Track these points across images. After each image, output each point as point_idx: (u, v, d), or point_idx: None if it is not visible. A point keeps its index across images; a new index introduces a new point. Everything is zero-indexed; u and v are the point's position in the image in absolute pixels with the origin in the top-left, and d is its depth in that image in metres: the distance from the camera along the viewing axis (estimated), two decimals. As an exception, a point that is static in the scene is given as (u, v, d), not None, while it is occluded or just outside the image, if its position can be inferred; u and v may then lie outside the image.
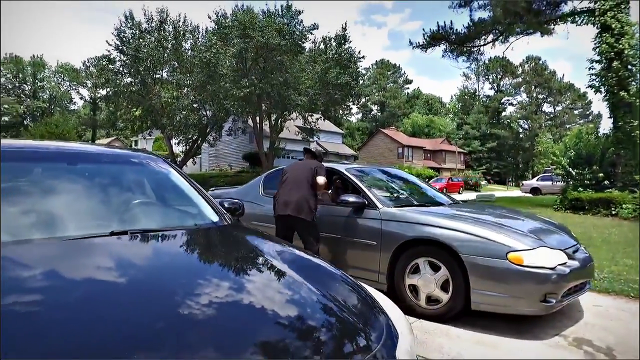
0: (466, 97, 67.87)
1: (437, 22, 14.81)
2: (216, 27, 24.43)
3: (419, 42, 15.24)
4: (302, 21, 23.94)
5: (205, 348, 1.01)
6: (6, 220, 1.57)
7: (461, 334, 3.12)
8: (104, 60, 27.22)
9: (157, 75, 27.49)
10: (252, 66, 22.97)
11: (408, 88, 75.82)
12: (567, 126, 58.68)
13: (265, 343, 1.07)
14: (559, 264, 3.08)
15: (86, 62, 55.04)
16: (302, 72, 23.79)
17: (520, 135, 63.03)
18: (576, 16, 14.59)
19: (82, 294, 1.23)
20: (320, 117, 28.32)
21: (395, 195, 4.54)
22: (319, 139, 35.54)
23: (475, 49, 15.23)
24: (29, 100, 57.64)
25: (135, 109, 28.41)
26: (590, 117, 63.03)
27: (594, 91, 14.00)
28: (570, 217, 11.06)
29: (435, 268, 3.37)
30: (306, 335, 1.15)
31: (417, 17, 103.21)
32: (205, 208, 2.31)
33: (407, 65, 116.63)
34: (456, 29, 14.64)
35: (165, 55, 26.78)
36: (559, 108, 65.10)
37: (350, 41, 26.28)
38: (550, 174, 19.92)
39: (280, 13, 24.21)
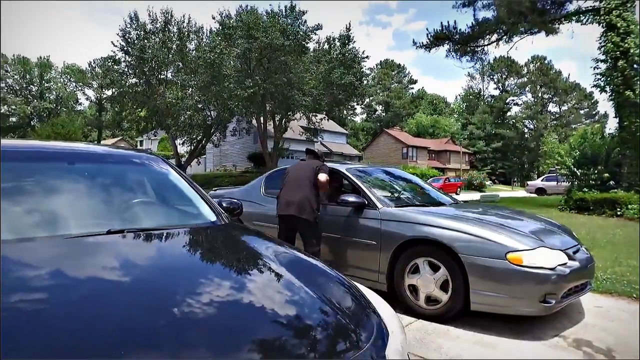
0: (471, 97, 67.64)
1: (441, 22, 14.76)
2: (220, 27, 24.51)
3: (422, 42, 15.22)
4: (305, 21, 23.98)
5: (198, 346, 1.02)
6: (5, 218, 1.59)
7: (460, 334, 3.12)
8: (109, 61, 27.45)
9: (162, 76, 27.66)
10: (256, 66, 23.04)
11: (412, 88, 75.74)
12: (573, 126, 58.24)
13: (252, 341, 1.08)
14: (558, 265, 3.07)
15: (92, 63, 55.57)
16: (306, 73, 23.84)
17: (526, 136, 62.70)
18: (581, 15, 14.48)
19: (76, 291, 1.24)
20: (324, 117, 28.35)
21: (395, 195, 4.54)
22: (322, 139, 35.63)
23: (479, 48, 15.17)
24: (35, 101, 58.14)
25: (140, 110, 28.60)
26: (597, 116, 62.57)
27: (599, 91, 13.90)
28: (575, 217, 10.99)
29: (434, 268, 3.36)
30: (294, 334, 1.15)
31: (422, 17, 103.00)
32: (203, 208, 2.33)
33: (411, 65, 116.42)
34: (460, 29, 14.62)
35: (170, 56, 26.95)
36: (564, 108, 64.67)
37: (354, 41, 26.32)
38: (555, 174, 19.79)
39: (284, 13, 24.27)
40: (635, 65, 12.45)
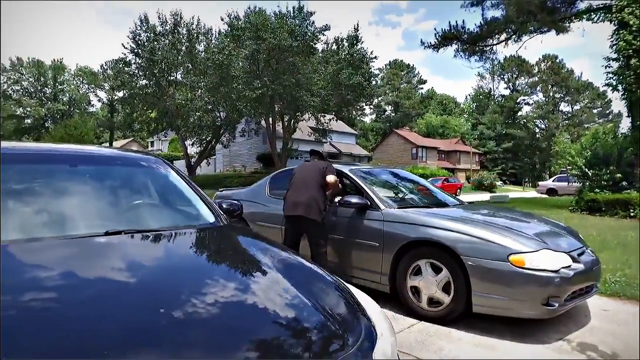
0: (481, 96, 67.05)
1: (449, 22, 14.66)
2: (229, 29, 24.66)
3: (430, 42, 15.13)
4: (313, 22, 24.00)
5: (184, 346, 1.04)
6: (5, 219, 1.63)
7: (462, 336, 3.09)
8: (120, 63, 27.79)
9: (172, 78, 27.92)
10: (265, 67, 23.12)
11: (422, 88, 75.30)
12: (586, 125, 57.31)
13: (235, 342, 1.09)
14: (562, 267, 3.02)
15: (104, 65, 56.29)
16: (314, 73, 23.87)
17: (537, 135, 61.92)
18: (592, 13, 14.25)
19: (70, 291, 1.27)
20: (333, 118, 28.35)
21: (399, 196, 4.53)
22: (331, 139, 35.59)
23: (488, 48, 15.02)
24: (49, 103, 59.12)
25: (150, 111, 28.91)
26: (610, 116, 61.51)
27: (612, 90, 13.66)
28: (586, 218, 10.82)
29: (436, 270, 3.34)
30: (278, 336, 1.16)
31: (432, 17, 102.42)
32: (202, 209, 2.35)
33: (421, 65, 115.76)
34: (468, 28, 14.48)
35: (179, 57, 27.20)
36: (577, 107, 63.70)
37: (363, 42, 26.28)
38: (566, 174, 19.52)
39: (292, 14, 24.32)
40: (648, 64, 12.20)
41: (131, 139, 58.49)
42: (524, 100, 64.14)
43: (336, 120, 29.95)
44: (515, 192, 33.08)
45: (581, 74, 67.63)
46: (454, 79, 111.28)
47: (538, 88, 63.22)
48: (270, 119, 25.82)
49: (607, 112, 62.71)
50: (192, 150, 32.89)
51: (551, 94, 63.21)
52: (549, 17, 14.12)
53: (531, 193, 29.18)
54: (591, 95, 61.73)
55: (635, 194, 11.51)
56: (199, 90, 26.17)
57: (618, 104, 66.94)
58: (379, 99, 66.85)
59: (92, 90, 61.62)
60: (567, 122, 63.03)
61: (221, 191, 6.39)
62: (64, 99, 60.95)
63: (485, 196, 22.51)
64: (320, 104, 24.62)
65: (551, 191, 23.89)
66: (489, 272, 3.03)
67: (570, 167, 14.53)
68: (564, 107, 65.05)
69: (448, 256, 3.25)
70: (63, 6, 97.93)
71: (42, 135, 50.58)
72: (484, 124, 60.78)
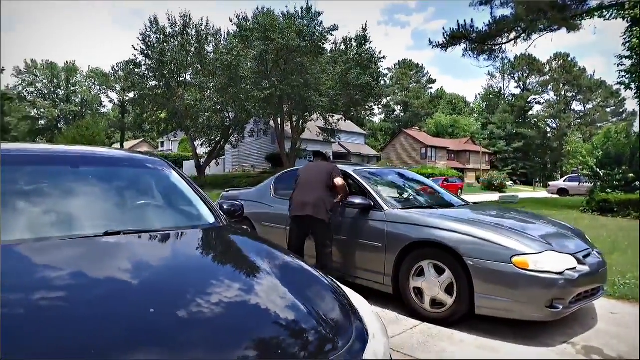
0: (491, 96, 66.38)
1: (457, 21, 14.54)
2: (237, 30, 24.79)
3: (438, 42, 15.01)
4: (322, 22, 24.02)
5: (170, 346, 1.05)
6: (7, 219, 1.67)
7: (465, 338, 3.07)
8: (130, 64, 28.11)
9: (181, 78, 28.16)
10: (273, 68, 23.21)
11: (431, 88, 74.86)
12: (599, 125, 56.34)
13: (221, 343, 1.09)
14: (567, 269, 2.98)
15: (115, 67, 57.06)
16: (322, 73, 23.89)
17: (548, 135, 61.11)
18: (604, 10, 14.02)
19: (65, 291, 1.29)
20: (342, 118, 28.34)
21: (403, 196, 4.51)
22: (340, 139, 35.58)
23: (497, 47, 14.86)
24: (62, 104, 60.07)
25: (160, 112, 29.19)
26: (624, 115, 60.42)
27: (624, 88, 13.44)
28: (597, 219, 10.65)
29: (439, 271, 3.32)
30: (266, 338, 1.16)
31: (441, 16, 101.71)
32: (203, 210, 2.37)
33: (431, 64, 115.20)
34: (477, 27, 14.34)
35: (189, 58, 27.41)
36: (589, 106, 62.70)
37: (371, 42, 26.22)
38: (578, 174, 19.23)
39: (300, 15, 24.36)
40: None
41: (142, 139, 59.17)
42: (534, 99, 63.35)
43: (345, 121, 29.93)
44: (525, 193, 32.71)
45: (594, 72, 66.63)
46: (464, 78, 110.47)
47: (549, 87, 62.36)
48: (279, 119, 25.90)
49: (621, 110, 61.61)
50: (202, 150, 33.14)
51: (563, 93, 62.32)
52: (560, 14, 13.91)
53: (542, 193, 28.82)
54: (604, 93, 60.70)
55: (648, 194, 11.30)
56: (208, 91, 26.36)
57: (632, 103, 65.60)
58: (388, 98, 66.60)
59: (103, 91, 62.50)
60: (579, 121, 62.09)
61: (227, 191, 6.43)
62: (77, 100, 61.88)
63: (494, 196, 22.28)
64: (328, 104, 24.63)
65: (562, 191, 23.58)
66: (492, 274, 3.01)
67: (581, 167, 14.31)
68: (576, 106, 64.16)
69: (451, 257, 3.23)
70: (75, 8, 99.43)
71: (55, 136, 51.39)
72: (494, 123, 60.16)
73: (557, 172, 57.43)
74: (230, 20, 26.28)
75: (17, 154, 2.10)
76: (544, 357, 2.79)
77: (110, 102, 62.73)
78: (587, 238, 3.82)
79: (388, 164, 37.09)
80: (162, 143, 55.93)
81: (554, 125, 62.14)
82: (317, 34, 23.28)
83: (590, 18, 14.91)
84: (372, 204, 3.96)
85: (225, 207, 2.63)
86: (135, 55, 27.75)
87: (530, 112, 63.26)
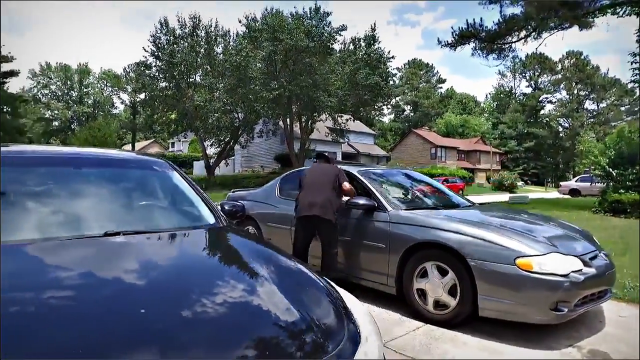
0: (502, 95, 65.68)
1: (466, 20, 14.40)
2: (246, 30, 24.90)
3: (447, 41, 14.88)
4: (330, 23, 24.00)
5: (154, 346, 1.06)
6: (5, 220, 1.70)
7: (468, 340, 3.04)
8: (141, 66, 28.42)
9: (191, 79, 28.38)
10: (282, 68, 23.26)
11: (441, 87, 74.33)
12: (613, 124, 55.26)
13: (210, 345, 1.10)
14: (572, 271, 2.94)
15: (126, 68, 57.77)
16: (331, 74, 23.88)
17: (560, 134, 60.23)
18: (617, 7, 13.75)
19: (62, 292, 1.31)
20: (350, 118, 28.29)
21: (408, 197, 4.48)
22: (349, 140, 35.51)
23: (507, 46, 14.68)
24: (75, 105, 61.02)
25: (170, 113, 29.45)
26: (639, 113, 59.21)
27: (638, 86, 13.20)
28: (609, 220, 10.45)
29: (443, 272, 3.30)
30: (254, 341, 1.16)
31: (451, 15, 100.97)
32: (203, 210, 2.39)
33: (441, 64, 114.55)
34: (486, 26, 14.18)
35: (198, 59, 27.62)
36: (603, 105, 61.60)
37: (380, 41, 26.13)
38: (590, 174, 18.91)
39: (309, 15, 24.38)
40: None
41: (152, 140, 59.79)
42: (546, 98, 62.53)
43: (354, 121, 29.87)
44: (536, 193, 32.27)
45: (607, 70, 65.16)
46: (474, 77, 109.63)
47: (561, 86, 61.46)
48: (288, 119, 25.95)
49: (636, 109, 60.36)
50: (211, 151, 33.36)
51: (575, 92, 61.36)
52: (571, 12, 13.69)
53: (553, 194, 28.42)
54: (618, 92, 59.54)
55: (663, 195, 11.07)
56: (217, 92, 26.51)
57: (648, 102, 64.26)
58: (398, 98, 66.32)
59: (115, 92, 63.33)
60: (592, 120, 61.06)
61: (234, 192, 6.47)
62: (89, 102, 62.82)
63: (504, 197, 22.02)
64: (337, 105, 24.61)
65: (574, 192, 23.20)
66: (495, 275, 2.97)
67: (593, 167, 14.07)
68: (589, 105, 63.08)
69: (454, 258, 3.20)
70: (88, 11, 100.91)
71: (68, 137, 52.21)
72: (504, 123, 59.53)
73: (569, 172, 56.59)
74: (239, 21, 26.51)
75: (19, 156, 2.14)
76: (548, 361, 2.75)
77: (122, 103, 63.64)
78: (594, 240, 3.76)
79: (397, 164, 36.93)
80: (173, 144, 56.47)
81: (566, 125, 61.22)
82: (326, 34, 23.28)
83: (602, 15, 14.64)
84: (376, 204, 3.94)
85: (226, 207, 2.64)
86: (145, 57, 28.10)
87: (542, 112, 62.44)
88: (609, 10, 14.20)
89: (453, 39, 14.82)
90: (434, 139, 49.15)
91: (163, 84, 28.40)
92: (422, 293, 3.43)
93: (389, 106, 42.48)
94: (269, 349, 1.15)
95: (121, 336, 1.08)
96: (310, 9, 24.49)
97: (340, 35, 24.13)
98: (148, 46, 27.63)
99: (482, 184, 41.07)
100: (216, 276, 1.54)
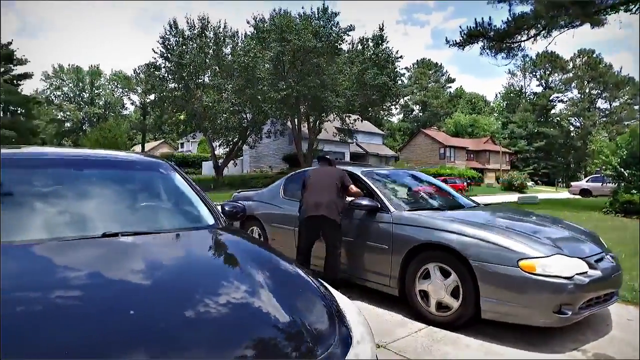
0: (512, 94, 65.00)
1: (475, 19, 14.27)
2: (255, 31, 25.00)
3: (455, 40, 14.76)
4: (338, 23, 24.00)
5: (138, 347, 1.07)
6: (6, 220, 1.72)
7: (470, 342, 3.01)
8: (151, 67, 28.69)
9: (199, 80, 28.55)
10: (290, 69, 23.30)
11: (450, 87, 73.79)
12: (626, 123, 54.35)
13: (200, 346, 1.10)
14: (577, 273, 2.89)
15: (137, 70, 58.39)
16: (339, 74, 23.86)
17: (572, 134, 59.38)
18: (630, 4, 13.49)
19: (61, 291, 1.32)
20: (358, 118, 28.24)
21: (411, 198, 4.46)
22: (357, 140, 35.45)
23: (516, 45, 14.51)
24: (87, 107, 61.81)
25: (179, 113, 29.68)
26: (654, 112, 58.13)
27: (650, 85, 12.92)
28: (620, 220, 10.28)
29: (445, 274, 3.27)
30: (242, 345, 1.16)
31: (461, 15, 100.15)
32: (203, 211, 2.40)
33: (450, 63, 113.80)
34: (495, 25, 14.04)
35: (207, 60, 27.77)
36: (615, 104, 60.54)
37: (388, 41, 26.05)
38: (601, 174, 18.60)
39: (316, 16, 24.40)
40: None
41: (162, 140, 60.31)
42: (557, 97, 61.75)
43: (361, 121, 29.82)
44: (546, 193, 31.88)
45: (621, 68, 63.94)
46: (484, 77, 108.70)
47: (573, 84, 60.58)
48: (296, 119, 25.99)
49: (650, 107, 59.32)
50: (220, 151, 33.53)
51: (587, 91, 60.45)
52: (582, 10, 13.49)
53: (564, 194, 28.04)
54: (632, 90, 58.48)
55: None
56: (226, 93, 26.65)
57: (662, 100, 62.86)
58: (407, 98, 66.03)
59: (125, 94, 64.02)
60: (604, 119, 60.08)
61: (239, 192, 6.49)
62: (100, 103, 63.58)
63: (513, 197, 21.78)
64: (345, 105, 24.59)
65: (585, 192, 22.84)
66: (498, 277, 2.94)
67: (604, 167, 13.83)
68: (601, 103, 62.06)
69: (456, 260, 3.17)
70: (100, 14, 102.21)
71: (79, 137, 52.90)
72: (514, 122, 58.90)
73: (580, 172, 55.80)
74: (248, 22, 26.62)
75: (20, 157, 2.17)
76: (552, 364, 2.71)
77: (132, 104, 64.32)
78: (601, 241, 3.69)
79: (406, 164, 36.73)
80: (182, 144, 56.91)
81: (578, 124, 60.36)
82: (334, 35, 23.28)
83: (614, 12, 14.38)
84: (379, 205, 3.93)
85: (226, 208, 2.65)
86: (155, 58, 28.35)
87: (553, 111, 61.69)
88: (621, 8, 13.96)
89: (461, 39, 14.71)
90: (442, 138, 48.82)
91: (172, 85, 28.64)
92: (425, 294, 3.40)
93: (397, 106, 42.28)
94: (255, 353, 1.15)
95: (110, 337, 1.09)
96: (318, 9, 24.53)
97: (348, 35, 24.14)
98: (157, 47, 27.90)
99: (491, 184, 40.68)
100: (209, 278, 1.54)
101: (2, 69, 35.84)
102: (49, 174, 2.15)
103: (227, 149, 30.92)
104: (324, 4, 24.65)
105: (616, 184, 12.88)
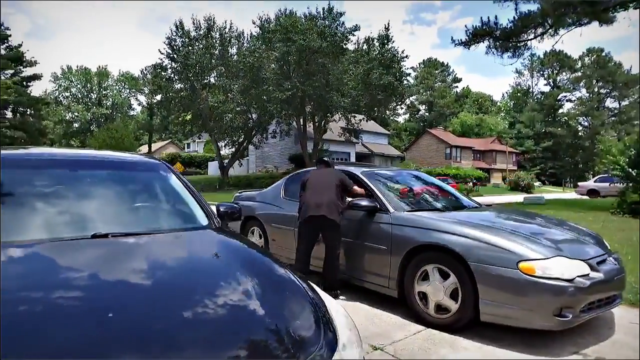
0: (519, 94, 64.47)
1: (481, 18, 14.16)
2: (260, 31, 25.04)
3: (461, 39, 14.64)
4: (343, 23, 23.96)
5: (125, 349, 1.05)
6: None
7: (469, 345, 2.97)
8: (157, 68, 28.87)
9: (205, 81, 28.66)
10: (295, 69, 23.29)
11: (457, 87, 73.32)
12: (635, 122, 53.62)
13: (185, 350, 1.09)
14: (578, 276, 2.84)
15: (143, 70, 58.71)
16: (344, 74, 23.81)
17: (580, 134, 58.74)
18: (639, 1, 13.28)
19: (42, 292, 1.32)
20: (364, 118, 28.17)
21: (412, 199, 4.42)
22: (362, 140, 35.36)
23: (522, 43, 14.34)
24: (94, 107, 62.29)
25: (185, 114, 29.83)
26: (665, 112, 57.27)
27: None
28: (627, 221, 10.13)
29: (444, 275, 3.23)
30: (227, 347, 1.15)
31: (468, 14, 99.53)
32: (197, 212, 2.39)
33: (457, 63, 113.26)
34: (501, 24, 13.88)
35: (213, 61, 27.88)
36: (625, 103, 59.70)
37: (394, 41, 25.97)
38: (608, 174, 18.36)
39: (322, 15, 24.37)
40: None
41: (169, 140, 60.64)
42: (565, 96, 61.08)
43: (367, 121, 29.73)
44: (553, 193, 31.57)
45: (630, 67, 62.91)
46: (491, 76, 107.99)
47: (581, 84, 59.89)
48: (301, 120, 25.98)
49: (660, 107, 58.44)
50: (226, 151, 33.63)
51: (596, 90, 59.73)
52: (590, 7, 13.31)
53: (571, 194, 27.73)
54: (642, 89, 57.70)
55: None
56: (231, 93, 26.73)
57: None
58: (413, 98, 65.76)
59: (133, 94, 64.43)
60: (613, 118, 59.33)
61: (240, 193, 6.49)
62: (108, 104, 64.03)
63: (519, 197, 21.58)
64: (350, 105, 24.53)
65: (592, 192, 22.55)
66: (497, 279, 2.90)
67: (611, 167, 13.65)
68: (610, 103, 61.25)
69: (455, 261, 3.13)
70: (108, 15, 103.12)
71: (87, 138, 53.33)
72: (522, 122, 58.39)
73: (588, 172, 55.17)
74: (253, 23, 26.61)
75: (15, 158, 2.17)
76: (551, 368, 2.67)
77: (139, 105, 64.66)
78: (605, 243, 3.63)
79: (411, 164, 36.55)
80: (189, 144, 57.19)
81: (586, 124, 59.68)
82: (339, 35, 23.24)
83: (624, 10, 14.16)
84: (378, 206, 3.90)
85: (221, 209, 2.64)
86: (161, 59, 28.51)
87: (561, 110, 61.04)
88: (631, 5, 13.75)
89: (467, 38, 14.59)
90: (448, 138, 48.56)
91: (178, 86, 28.79)
92: (424, 296, 3.37)
93: (403, 106, 42.19)
94: (242, 355, 1.13)
95: (83, 340, 1.08)
96: (323, 9, 24.50)
97: (353, 35, 24.09)
98: (164, 48, 28.06)
99: (497, 184, 40.37)
100: (194, 281, 1.52)
101: (11, 71, 36.30)
102: (42, 174, 2.15)
103: (233, 149, 31.00)
104: (329, 4, 24.56)
105: (624, 184, 12.71)
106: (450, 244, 3.15)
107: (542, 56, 57.67)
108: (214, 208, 2.62)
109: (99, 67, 64.32)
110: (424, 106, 71.03)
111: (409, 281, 3.46)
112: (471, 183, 32.88)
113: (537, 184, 39.34)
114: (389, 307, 3.72)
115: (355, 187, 4.18)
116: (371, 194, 4.10)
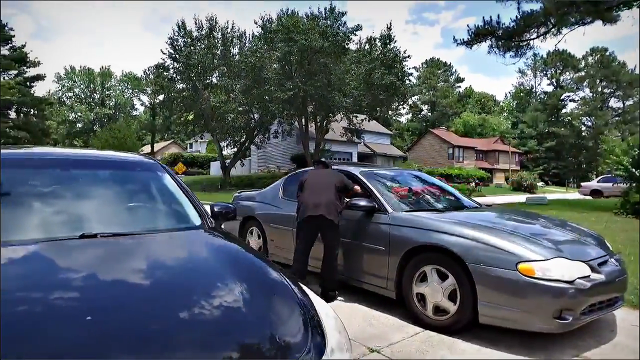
0: (522, 94, 64.22)
1: (483, 17, 14.09)
2: (262, 31, 25.03)
3: (463, 39, 14.57)
4: (345, 23, 23.91)
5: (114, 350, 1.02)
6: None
7: (467, 348, 2.93)
8: (160, 68, 28.91)
9: (207, 81, 28.67)
10: (297, 69, 23.26)
11: (459, 87, 73.13)
12: (639, 122, 53.30)
13: (174, 352, 1.06)
14: (578, 277, 2.79)
15: (146, 71, 58.81)
16: (346, 74, 23.76)
17: (583, 134, 58.44)
18: (644, -1, 13.15)
19: (43, 293, 1.29)
20: (366, 118, 28.11)
21: (411, 199, 4.37)
22: (364, 140, 35.30)
23: (524, 43, 14.25)
24: (97, 107, 62.48)
25: (187, 114, 29.86)
26: (670, 112, 56.87)
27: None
28: (631, 222, 10.04)
29: (442, 276, 3.19)
30: (210, 351, 1.12)
31: (471, 13, 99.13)
32: (190, 212, 2.36)
33: (460, 62, 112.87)
34: (503, 23, 13.81)
35: (215, 61, 27.88)
36: (629, 102, 59.33)
37: (396, 41, 25.90)
38: (612, 174, 18.24)
39: (324, 15, 24.33)
40: None
41: (171, 140, 60.75)
42: (568, 96, 60.78)
43: (369, 121, 29.65)
44: (556, 194, 31.39)
45: (635, 66, 62.51)
46: (494, 76, 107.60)
47: (585, 83, 59.57)
48: (303, 120, 25.94)
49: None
50: (228, 151, 33.63)
51: (599, 89, 59.39)
52: (594, 6, 13.21)
53: (574, 194, 27.57)
54: (645, 88, 57.32)
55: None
56: (233, 93, 26.72)
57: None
58: (415, 98, 65.61)
59: (135, 94, 64.59)
60: (617, 118, 58.98)
61: (239, 193, 6.46)
62: (111, 104, 64.21)
63: (522, 197, 21.47)
64: (352, 105, 24.48)
65: (595, 192, 22.41)
66: (496, 281, 2.85)
67: (615, 167, 13.54)
68: (614, 102, 60.88)
69: (454, 262, 3.09)
70: (111, 16, 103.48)
71: (90, 138, 53.51)
72: (524, 122, 58.15)
73: (592, 173, 54.86)
74: (255, 23, 26.59)
75: (8, 157, 2.15)
76: (551, 371, 2.62)
77: (142, 105, 64.81)
78: (606, 244, 3.57)
79: (414, 165, 36.45)
80: (191, 144, 57.26)
81: (589, 124, 59.37)
82: (341, 35, 23.19)
83: (627, 9, 14.05)
84: (377, 206, 3.86)
85: (216, 209, 2.61)
86: (163, 59, 28.56)
87: (564, 110, 60.76)
88: (635, 3, 13.63)
89: (469, 37, 14.52)
90: (451, 138, 48.41)
91: (180, 86, 28.82)
92: (422, 298, 3.33)
93: (405, 106, 42.09)
94: (232, 354, 1.10)
95: (63, 342, 1.05)
96: (325, 9, 24.46)
97: (355, 35, 24.03)
98: (166, 48, 28.10)
99: (500, 184, 40.22)
100: (182, 283, 1.49)
101: (15, 72, 36.44)
102: (33, 174, 2.12)
103: (235, 149, 31.00)
104: (331, 4, 24.59)
105: (627, 185, 12.61)
106: (448, 244, 3.11)
107: (545, 56, 57.42)
108: (207, 208, 2.60)
109: (102, 67, 64.60)
110: (426, 106, 70.86)
111: (407, 282, 3.42)
112: (474, 183, 32.75)
113: (540, 184, 39.17)
114: (387, 309, 3.68)
115: (357, 187, 4.16)
116: (369, 194, 4.07)
